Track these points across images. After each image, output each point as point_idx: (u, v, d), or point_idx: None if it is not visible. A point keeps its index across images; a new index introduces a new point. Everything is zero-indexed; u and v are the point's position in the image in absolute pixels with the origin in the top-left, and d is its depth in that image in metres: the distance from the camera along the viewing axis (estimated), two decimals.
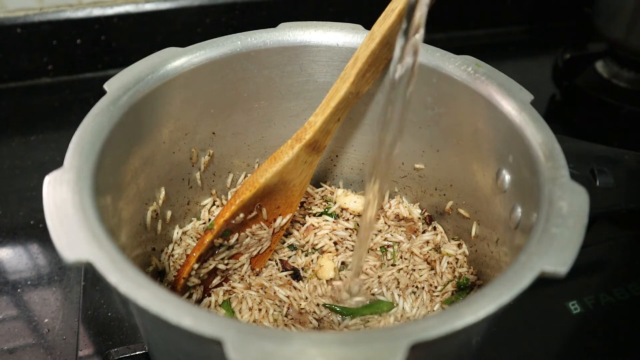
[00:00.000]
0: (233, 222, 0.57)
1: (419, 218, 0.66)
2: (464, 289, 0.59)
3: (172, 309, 0.34)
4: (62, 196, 0.40)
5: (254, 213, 0.59)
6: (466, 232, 0.62)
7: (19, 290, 0.66)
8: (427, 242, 0.63)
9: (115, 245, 0.38)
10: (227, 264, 0.59)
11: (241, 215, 0.57)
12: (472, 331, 0.40)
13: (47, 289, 0.66)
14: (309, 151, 0.57)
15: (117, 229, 0.47)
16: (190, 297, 0.58)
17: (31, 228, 0.73)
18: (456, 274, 0.60)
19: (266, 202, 0.59)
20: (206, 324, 0.33)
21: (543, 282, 0.37)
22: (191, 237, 0.63)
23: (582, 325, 0.63)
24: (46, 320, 0.62)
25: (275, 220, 0.62)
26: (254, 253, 0.61)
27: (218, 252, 0.59)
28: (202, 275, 0.58)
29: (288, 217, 0.62)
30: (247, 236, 0.60)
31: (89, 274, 0.65)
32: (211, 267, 0.58)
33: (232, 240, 0.59)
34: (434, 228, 0.65)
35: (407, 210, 0.66)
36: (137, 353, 0.56)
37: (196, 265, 0.57)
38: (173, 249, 0.62)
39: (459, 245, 0.63)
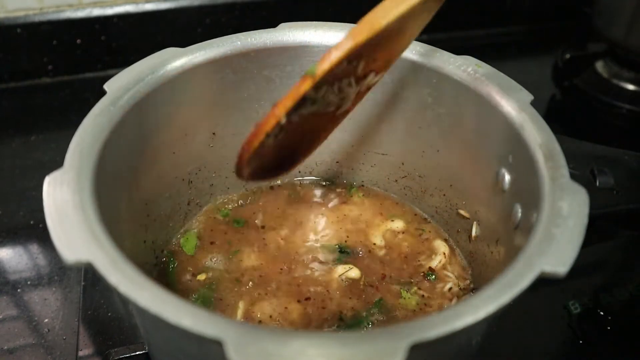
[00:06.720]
0: (334, 71, 0.47)
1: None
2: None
3: (172, 309, 0.34)
4: (62, 196, 0.40)
5: (353, 64, 0.48)
6: (466, 232, 0.62)
7: (19, 290, 0.66)
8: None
9: (115, 245, 0.38)
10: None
11: (344, 63, 0.46)
12: (472, 331, 0.40)
13: (47, 289, 0.66)
14: None
15: (117, 229, 0.47)
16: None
17: (31, 228, 0.73)
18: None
19: (368, 54, 0.48)
20: (206, 324, 0.33)
21: (543, 282, 0.37)
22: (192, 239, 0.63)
23: (582, 325, 0.63)
24: (46, 320, 0.62)
25: (366, 77, 0.51)
26: (329, 111, 0.51)
27: (302, 105, 0.48)
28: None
29: (380, 75, 0.52)
30: (334, 92, 0.50)
31: (89, 274, 0.65)
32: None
33: (319, 94, 0.49)
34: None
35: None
36: (137, 353, 0.56)
37: (284, 120, 0.47)
38: (174, 250, 0.62)
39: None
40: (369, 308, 0.57)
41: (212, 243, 0.63)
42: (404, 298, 0.58)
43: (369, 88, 0.53)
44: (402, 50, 0.52)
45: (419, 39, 0.60)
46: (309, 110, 0.49)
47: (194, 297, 0.58)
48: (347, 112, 0.54)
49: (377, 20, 0.45)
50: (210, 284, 0.59)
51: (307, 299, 0.58)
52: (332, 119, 0.53)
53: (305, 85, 0.46)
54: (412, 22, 0.48)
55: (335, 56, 0.45)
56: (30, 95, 0.97)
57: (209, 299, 0.57)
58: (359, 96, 0.53)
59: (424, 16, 0.49)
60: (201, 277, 0.59)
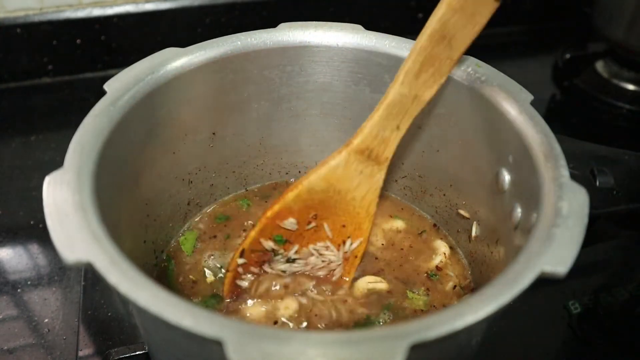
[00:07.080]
0: (282, 225, 0.55)
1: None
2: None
3: (172, 309, 0.34)
4: (62, 196, 0.40)
5: (313, 224, 0.57)
6: (466, 232, 0.62)
7: (19, 290, 0.66)
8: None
9: (115, 245, 0.38)
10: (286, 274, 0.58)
11: (291, 220, 0.55)
12: (472, 331, 0.40)
13: (47, 289, 0.66)
14: (361, 159, 0.54)
15: (117, 229, 0.47)
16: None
17: (31, 228, 0.73)
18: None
19: (324, 213, 0.56)
20: (206, 324, 0.33)
21: (543, 282, 0.37)
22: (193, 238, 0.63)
23: (582, 325, 0.63)
24: (46, 320, 0.62)
25: (344, 242, 0.58)
26: (320, 275, 0.58)
27: (274, 259, 0.57)
28: (252, 276, 0.56)
29: (358, 241, 0.58)
30: (312, 254, 0.58)
31: (89, 274, 0.65)
32: (266, 274, 0.56)
33: (291, 252, 0.57)
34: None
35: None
36: (137, 353, 0.56)
37: (240, 260, 0.55)
38: (174, 250, 0.62)
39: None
40: (382, 307, 0.57)
41: (212, 243, 0.63)
42: (410, 298, 0.58)
43: (356, 256, 0.58)
44: (367, 217, 0.57)
45: None
46: (294, 269, 0.57)
47: (197, 299, 0.58)
48: (347, 281, 0.59)
49: (300, 181, 0.54)
50: (211, 283, 0.59)
51: (310, 298, 0.58)
52: (335, 285, 0.59)
53: (252, 231, 0.55)
54: (345, 183, 0.54)
55: (269, 210, 0.55)
56: (30, 95, 0.97)
57: (210, 298, 0.57)
58: (351, 263, 0.58)
59: (363, 179, 0.55)
60: (210, 278, 0.59)
